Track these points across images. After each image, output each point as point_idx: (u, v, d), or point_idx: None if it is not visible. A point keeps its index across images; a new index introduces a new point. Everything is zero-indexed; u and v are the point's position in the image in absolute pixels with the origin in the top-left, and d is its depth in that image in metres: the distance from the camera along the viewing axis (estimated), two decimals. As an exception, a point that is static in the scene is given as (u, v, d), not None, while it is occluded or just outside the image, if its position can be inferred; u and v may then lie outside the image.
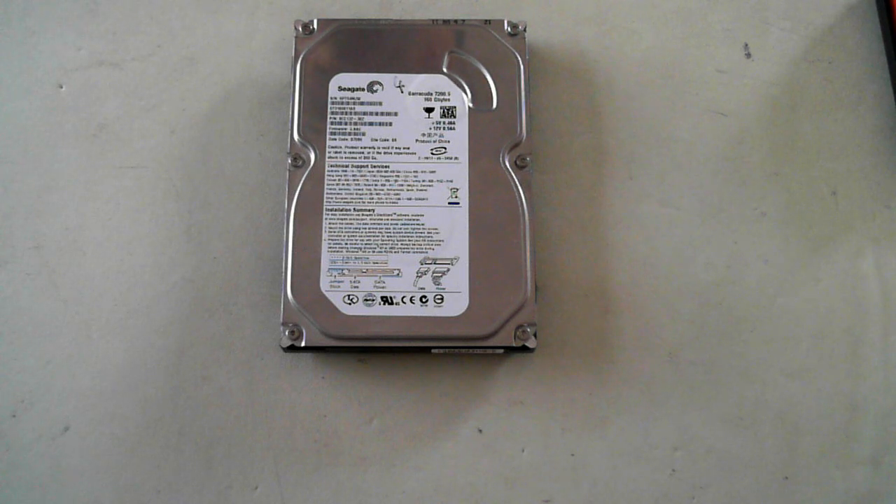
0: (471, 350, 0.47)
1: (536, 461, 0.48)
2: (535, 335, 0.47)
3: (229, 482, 0.47)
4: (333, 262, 0.48)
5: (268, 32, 0.55)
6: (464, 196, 0.49)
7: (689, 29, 0.56)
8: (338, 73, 0.51)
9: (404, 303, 0.47)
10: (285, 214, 0.48)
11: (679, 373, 0.49)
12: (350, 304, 0.47)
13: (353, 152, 0.50)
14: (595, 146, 0.53)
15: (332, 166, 0.49)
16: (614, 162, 0.53)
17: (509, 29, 0.52)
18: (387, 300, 0.47)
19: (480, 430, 0.48)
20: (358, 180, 0.49)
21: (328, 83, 0.51)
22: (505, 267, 0.48)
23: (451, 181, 0.49)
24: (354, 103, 0.51)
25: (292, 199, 0.49)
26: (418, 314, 0.47)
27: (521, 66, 0.52)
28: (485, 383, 0.49)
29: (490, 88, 0.51)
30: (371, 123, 0.50)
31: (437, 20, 0.53)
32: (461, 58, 0.52)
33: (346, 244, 0.48)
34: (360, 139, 0.50)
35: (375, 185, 0.49)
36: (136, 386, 0.48)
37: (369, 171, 0.49)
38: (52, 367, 0.49)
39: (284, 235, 0.48)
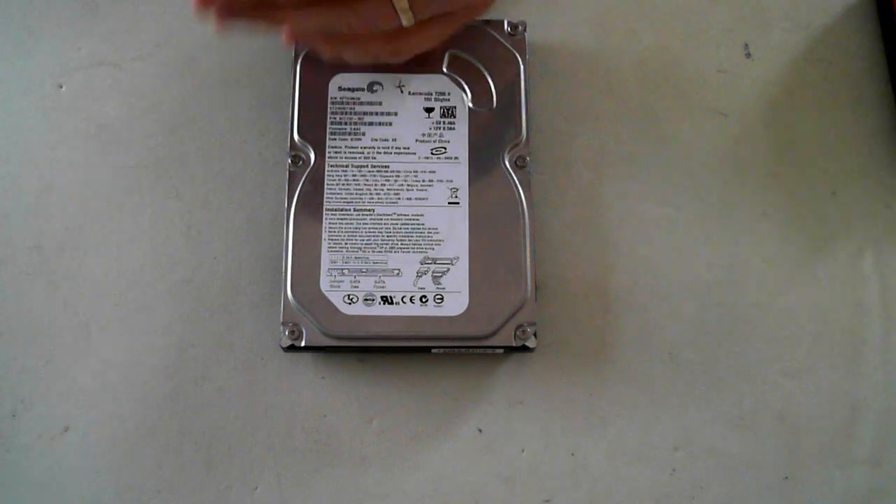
0: (471, 350, 0.47)
1: (536, 461, 0.48)
2: (535, 335, 0.47)
3: (229, 482, 0.47)
4: (333, 261, 0.48)
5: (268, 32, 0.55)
6: (464, 196, 0.49)
7: (689, 29, 0.56)
8: (338, 73, 0.51)
9: (404, 302, 0.47)
10: (285, 214, 0.49)
11: (679, 373, 0.49)
12: (350, 303, 0.47)
13: (353, 152, 0.50)
14: (595, 146, 0.53)
15: (332, 166, 0.49)
16: (614, 162, 0.53)
17: (509, 29, 0.52)
18: (387, 300, 0.47)
19: (480, 430, 0.48)
20: (358, 180, 0.49)
21: (328, 83, 0.51)
22: (505, 267, 0.48)
23: (451, 181, 0.49)
24: (354, 103, 0.51)
25: (292, 199, 0.49)
26: (418, 314, 0.47)
27: (521, 66, 0.52)
28: (485, 383, 0.49)
29: (490, 88, 0.51)
30: (371, 123, 0.50)
31: (437, 20, 0.53)
32: (461, 58, 0.52)
33: (346, 244, 0.48)
34: (360, 139, 0.50)
35: (375, 185, 0.49)
36: (136, 386, 0.48)
37: (369, 171, 0.49)
38: (52, 367, 0.49)
39: (284, 235, 0.48)
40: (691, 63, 0.55)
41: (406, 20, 0.43)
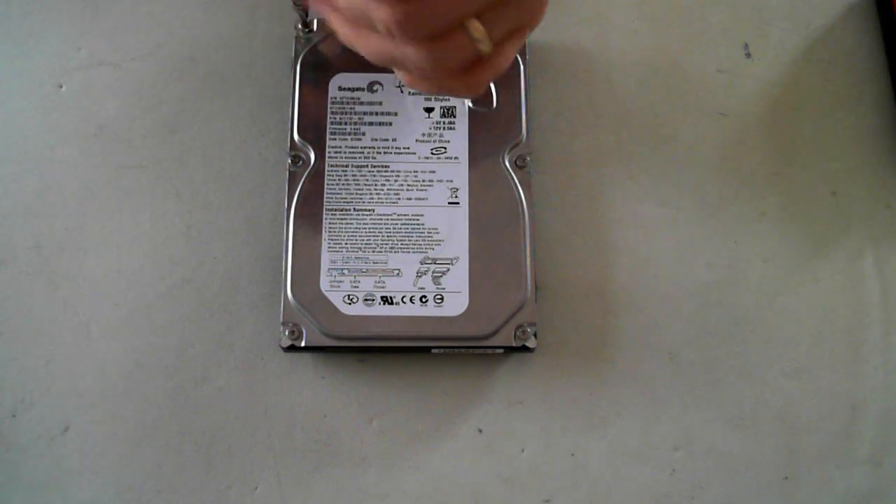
0: (471, 350, 0.47)
1: (536, 461, 0.48)
2: (535, 335, 0.47)
3: (229, 482, 0.47)
4: (333, 262, 0.48)
5: (268, 32, 0.55)
6: (464, 196, 0.49)
7: (689, 29, 0.56)
8: (338, 73, 0.51)
9: (404, 303, 0.47)
10: (285, 214, 0.48)
11: (679, 373, 0.49)
12: (350, 304, 0.47)
13: (353, 152, 0.50)
14: (595, 146, 0.53)
15: (332, 166, 0.49)
16: (614, 162, 0.53)
17: (509, 29, 0.52)
18: (387, 300, 0.47)
19: (480, 430, 0.48)
20: (358, 180, 0.49)
21: (328, 83, 0.51)
22: (505, 267, 0.48)
23: (451, 181, 0.49)
24: (354, 103, 0.51)
25: (292, 199, 0.49)
26: (418, 314, 0.47)
27: (521, 66, 0.52)
28: (485, 383, 0.49)
29: (490, 88, 0.51)
30: (371, 123, 0.50)
31: (437, 20, 0.52)
32: (461, 58, 0.52)
33: (346, 244, 0.48)
34: (360, 139, 0.50)
35: (375, 185, 0.49)
36: (136, 386, 0.48)
37: (369, 171, 0.49)
38: (52, 367, 0.49)
39: (284, 235, 0.48)
40: (691, 63, 0.55)
41: (485, 47, 0.40)
